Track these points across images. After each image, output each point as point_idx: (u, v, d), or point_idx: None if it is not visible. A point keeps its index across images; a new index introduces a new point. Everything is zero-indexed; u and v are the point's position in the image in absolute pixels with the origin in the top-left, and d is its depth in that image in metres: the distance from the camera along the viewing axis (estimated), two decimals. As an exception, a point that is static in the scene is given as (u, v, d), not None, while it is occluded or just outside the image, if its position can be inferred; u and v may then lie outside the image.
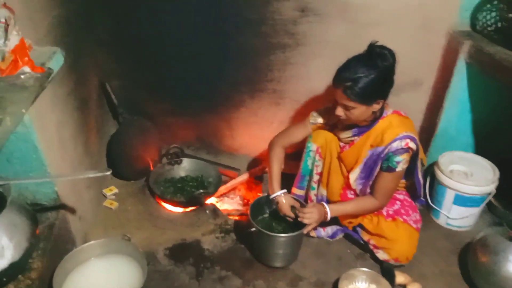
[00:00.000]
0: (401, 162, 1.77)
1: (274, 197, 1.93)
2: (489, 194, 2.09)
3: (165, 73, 2.33)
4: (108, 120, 2.37)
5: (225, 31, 2.19)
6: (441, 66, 2.28)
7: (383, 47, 1.69)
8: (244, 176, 2.48)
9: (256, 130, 2.51)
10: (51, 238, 1.55)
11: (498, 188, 2.10)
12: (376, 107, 1.73)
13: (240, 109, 2.44)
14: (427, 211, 2.29)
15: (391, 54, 1.68)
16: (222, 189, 2.41)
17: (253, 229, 1.84)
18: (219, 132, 2.53)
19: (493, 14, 2.05)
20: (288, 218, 1.95)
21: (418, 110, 2.44)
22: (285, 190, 1.94)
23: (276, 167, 1.98)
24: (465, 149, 2.33)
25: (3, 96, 1.13)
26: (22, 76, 1.23)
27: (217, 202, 2.39)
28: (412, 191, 2.06)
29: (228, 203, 2.46)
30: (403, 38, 2.18)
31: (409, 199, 2.07)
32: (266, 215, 2.06)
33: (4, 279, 1.24)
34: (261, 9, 2.13)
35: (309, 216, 1.82)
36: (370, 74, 1.64)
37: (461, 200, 2.12)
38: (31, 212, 1.39)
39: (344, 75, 1.66)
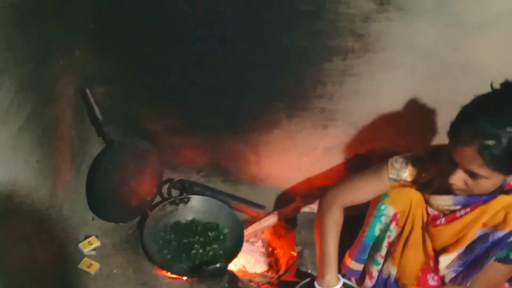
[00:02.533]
0: None
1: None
2: None
3: (173, 77, 1.63)
4: (89, 139, 1.70)
5: (263, 26, 1.49)
6: None
7: None
8: (272, 219, 1.86)
9: (292, 158, 1.87)
10: None
11: None
12: None
13: (273, 131, 1.78)
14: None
15: None
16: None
17: None
18: (240, 157, 1.88)
19: None
20: None
21: None
22: (342, 283, 1.32)
23: (333, 239, 1.34)
24: None
25: None
26: None
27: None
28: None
29: (247, 251, 1.86)
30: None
31: (507, 284, 1.45)
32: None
33: None
34: (322, -3, 1.42)
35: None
36: None
37: None
38: None
39: (486, 127, 1.01)
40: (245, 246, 1.87)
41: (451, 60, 1.57)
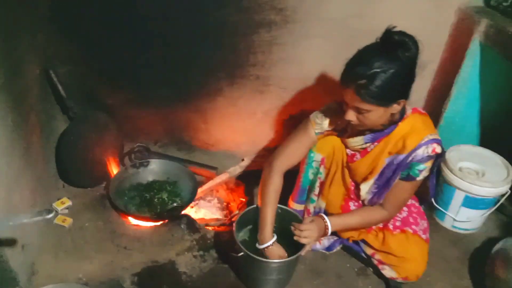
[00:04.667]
0: (424, 170, 1.49)
1: (264, 247, 1.55)
2: (503, 195, 1.86)
3: (126, 55, 1.90)
4: (55, 116, 1.93)
5: (201, 3, 1.79)
6: (449, 47, 2.01)
7: (403, 34, 1.32)
8: (223, 176, 2.14)
9: (236, 122, 2.16)
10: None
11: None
12: (396, 108, 1.39)
13: (217, 99, 2.07)
14: (430, 212, 2.04)
15: (414, 42, 1.32)
16: (198, 192, 2.06)
17: (241, 253, 1.52)
18: (192, 125, 2.16)
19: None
20: None
21: (419, 97, 2.17)
22: (275, 238, 1.57)
23: (271, 206, 1.57)
24: (471, 142, 2.10)
25: None
26: None
27: (191, 207, 2.05)
28: (421, 193, 1.79)
29: (205, 207, 2.13)
30: (409, 14, 1.85)
31: (417, 204, 1.80)
32: (251, 226, 1.73)
33: None
34: (243, -22, 1.74)
35: (307, 234, 1.52)
36: (389, 69, 1.29)
37: (472, 202, 1.88)
38: None
39: (357, 71, 1.31)
40: (202, 203, 2.14)
41: (357, 27, 1.90)
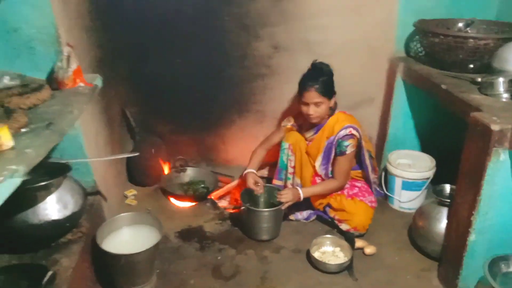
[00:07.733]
0: (349, 146, 2.38)
1: (245, 173, 2.52)
2: (428, 178, 2.66)
3: (171, 100, 2.97)
4: (127, 140, 2.98)
5: (217, 65, 2.86)
6: (386, 84, 2.93)
7: (321, 62, 2.40)
8: (236, 181, 3.05)
9: (245, 144, 3.09)
10: (91, 211, 2.11)
11: (438, 177, 2.67)
12: (332, 102, 2.38)
13: (231, 127, 3.06)
14: (385, 200, 2.84)
15: (327, 65, 2.39)
16: (219, 192, 2.97)
17: (243, 207, 2.39)
18: (215, 147, 3.13)
19: (420, 43, 2.72)
20: (255, 190, 2.48)
21: (373, 122, 3.07)
22: (252, 170, 2.54)
23: (255, 157, 2.62)
24: (414, 148, 2.92)
25: (70, 99, 1.75)
26: (80, 88, 1.86)
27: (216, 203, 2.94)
28: (368, 182, 2.63)
29: (224, 204, 3.00)
30: (356, 64, 2.84)
31: (366, 186, 2.63)
32: (249, 204, 2.57)
33: (68, 225, 1.79)
34: (244, 47, 2.81)
35: (285, 196, 2.39)
36: (325, 76, 2.33)
37: (408, 185, 2.68)
38: (81, 184, 1.97)
39: (313, 81, 2.32)
40: (222, 202, 3.02)
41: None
